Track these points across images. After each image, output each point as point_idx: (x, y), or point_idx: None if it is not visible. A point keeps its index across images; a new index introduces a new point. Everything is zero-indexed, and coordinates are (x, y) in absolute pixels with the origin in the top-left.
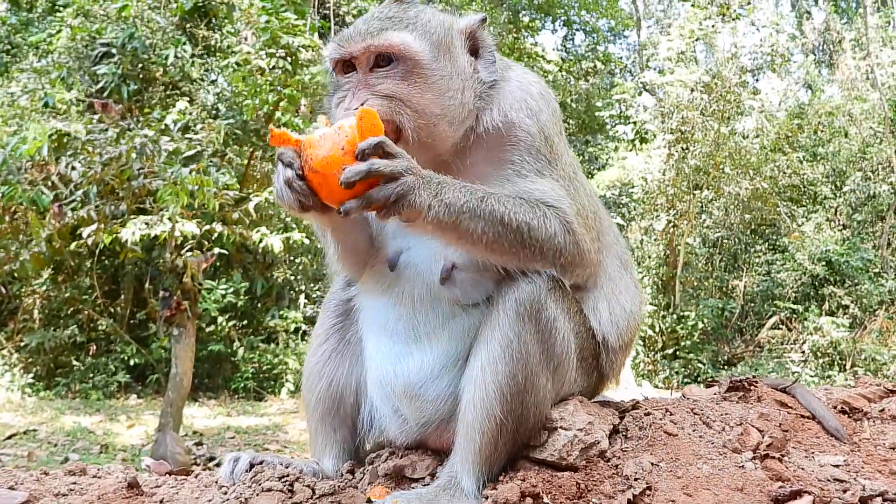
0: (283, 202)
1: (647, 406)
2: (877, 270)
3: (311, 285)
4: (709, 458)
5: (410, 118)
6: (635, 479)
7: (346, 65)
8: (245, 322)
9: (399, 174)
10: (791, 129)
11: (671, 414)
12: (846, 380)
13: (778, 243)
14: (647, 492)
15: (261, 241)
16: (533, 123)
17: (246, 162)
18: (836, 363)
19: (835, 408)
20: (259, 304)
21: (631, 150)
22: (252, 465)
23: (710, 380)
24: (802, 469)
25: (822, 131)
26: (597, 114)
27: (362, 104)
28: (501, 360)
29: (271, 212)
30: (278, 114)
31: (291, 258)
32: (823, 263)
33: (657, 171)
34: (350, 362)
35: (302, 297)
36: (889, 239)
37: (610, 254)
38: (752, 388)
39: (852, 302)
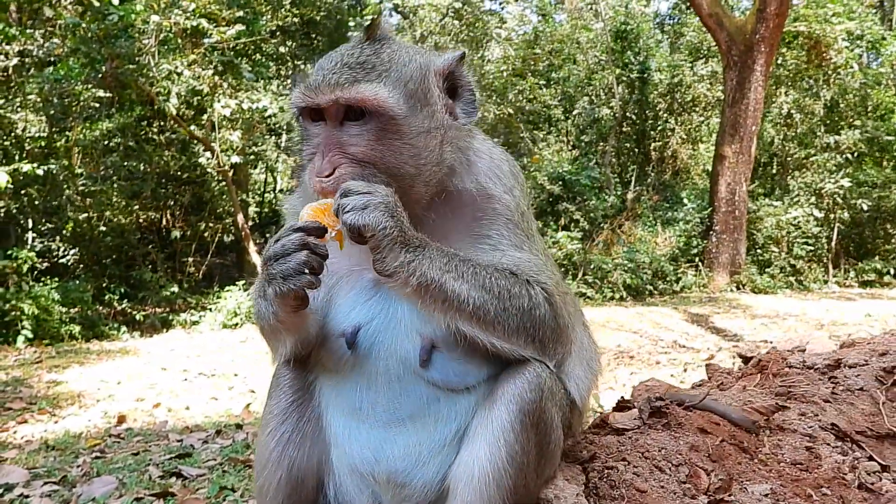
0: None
1: (603, 456)
2: (600, 186)
3: (42, 219)
4: None
5: (384, 184)
6: None
7: (313, 113)
8: None
9: (378, 203)
10: (532, 56)
11: (627, 462)
12: (579, 289)
13: (523, 166)
14: None
15: None
16: (510, 199)
17: None
18: (570, 273)
19: (731, 421)
20: None
21: None
22: None
23: (622, 401)
24: None
25: (554, 57)
26: (348, 33)
27: (334, 172)
28: (506, 472)
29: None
30: None
31: (16, 189)
32: (559, 182)
33: None
34: (311, 443)
35: (30, 233)
36: (611, 158)
37: (577, 321)
38: (669, 411)
39: (582, 217)
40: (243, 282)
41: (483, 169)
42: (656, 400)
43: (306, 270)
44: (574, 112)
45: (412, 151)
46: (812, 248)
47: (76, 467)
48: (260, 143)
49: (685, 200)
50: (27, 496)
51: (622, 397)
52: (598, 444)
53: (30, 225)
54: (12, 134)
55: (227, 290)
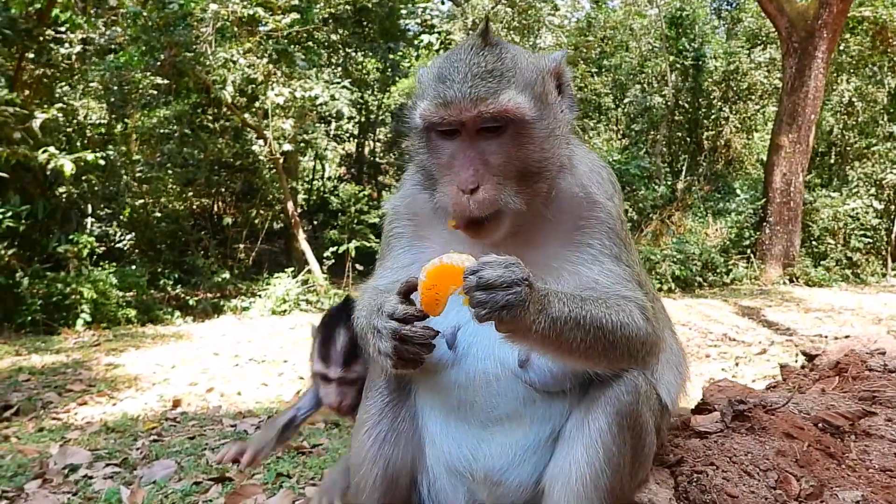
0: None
1: (690, 460)
2: (650, 176)
3: (101, 205)
4: None
5: (515, 198)
6: None
7: (446, 126)
8: (27, 249)
9: (514, 283)
10: (584, 43)
11: (716, 467)
12: None
13: None
14: None
15: (48, 162)
16: (612, 207)
17: (15, 65)
18: None
19: (816, 425)
20: (42, 229)
21: None
22: None
23: (701, 404)
24: None
25: (606, 45)
26: (399, 21)
27: (478, 188)
28: (602, 474)
29: (63, 127)
30: (56, 11)
31: (77, 176)
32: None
33: None
34: (405, 442)
35: (89, 218)
36: (661, 148)
37: (665, 326)
38: (752, 414)
39: (631, 207)
40: (292, 269)
41: (585, 172)
42: (738, 403)
43: (391, 358)
44: (625, 100)
45: (543, 154)
46: (870, 240)
47: (136, 450)
48: (311, 132)
49: (738, 191)
50: (91, 477)
51: (701, 399)
52: (683, 447)
53: (89, 210)
54: (75, 121)
55: (276, 277)
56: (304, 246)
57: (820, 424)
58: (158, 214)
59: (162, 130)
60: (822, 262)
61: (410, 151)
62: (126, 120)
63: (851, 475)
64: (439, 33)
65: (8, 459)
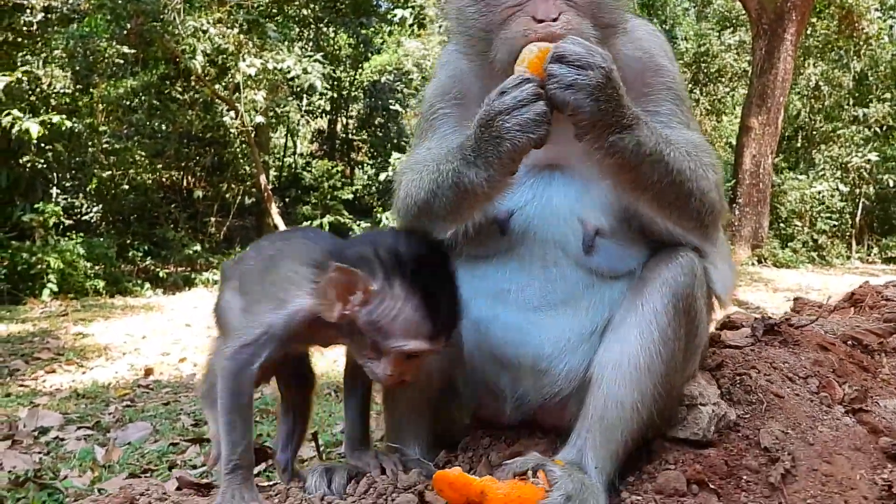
0: None
1: (730, 364)
2: None
3: (66, 175)
4: (820, 419)
5: (594, 39)
6: (777, 451)
7: None
8: None
9: (589, 66)
10: None
11: (758, 371)
12: None
13: None
14: (792, 463)
15: (12, 126)
16: (675, 70)
17: None
18: None
19: (846, 342)
20: (6, 199)
21: (409, 36)
22: (350, 478)
23: (727, 319)
24: (884, 418)
25: None
26: None
27: (559, 16)
28: (657, 356)
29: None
30: None
31: (42, 144)
32: None
33: (435, 57)
34: None
35: (55, 189)
36: None
37: None
38: (783, 329)
39: None
40: None
41: (644, 36)
42: (767, 318)
43: (543, 120)
44: None
45: (616, 3)
46: (836, 223)
47: (108, 414)
48: (283, 105)
49: None
50: (63, 439)
51: (727, 317)
52: (721, 354)
53: (55, 180)
54: (38, 89)
55: None
56: (278, 220)
57: (849, 342)
58: (126, 186)
59: (129, 101)
60: (789, 244)
61: (449, 23)
62: (92, 90)
63: (888, 386)
64: (412, 7)
65: None
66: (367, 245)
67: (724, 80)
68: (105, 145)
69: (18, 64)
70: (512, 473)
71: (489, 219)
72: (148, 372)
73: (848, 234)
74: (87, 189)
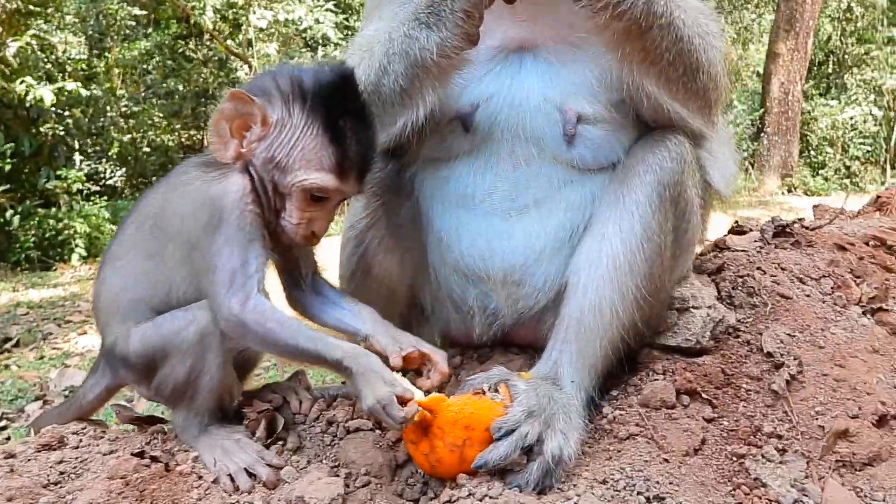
0: None
1: (733, 266)
2: None
3: (87, 140)
4: (833, 320)
5: None
6: (781, 356)
7: None
8: (16, 187)
9: None
10: None
11: (763, 272)
12: None
13: None
14: (799, 368)
15: (27, 93)
16: None
17: None
18: None
19: (866, 244)
20: (29, 166)
21: None
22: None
23: (736, 226)
24: None
25: None
26: None
27: None
28: (639, 252)
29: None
30: None
31: (60, 111)
32: None
33: None
34: (404, 249)
35: (77, 155)
36: None
37: None
38: (795, 231)
39: None
40: None
41: None
42: (779, 220)
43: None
44: None
45: None
46: (869, 148)
47: None
48: (297, 57)
49: (735, 103)
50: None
51: (736, 222)
52: (722, 257)
53: (76, 147)
54: (53, 56)
55: None
56: None
57: (870, 242)
58: (147, 149)
59: (144, 63)
60: (820, 172)
61: None
62: (106, 54)
63: None
64: None
65: (8, 384)
66: (267, 77)
67: (749, 6)
68: (123, 108)
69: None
70: (472, 390)
71: (448, 115)
72: None
73: (882, 159)
74: (110, 153)
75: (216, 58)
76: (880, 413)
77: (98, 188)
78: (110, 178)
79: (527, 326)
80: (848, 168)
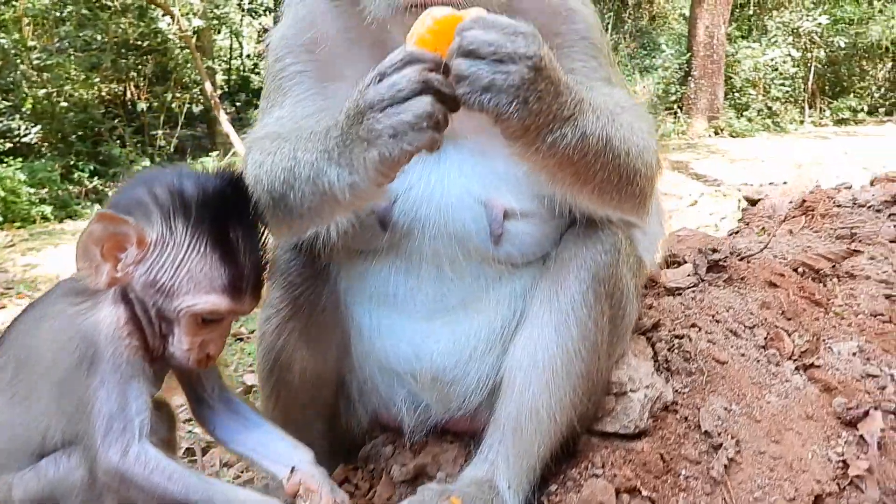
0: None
1: (668, 322)
2: None
3: None
4: (767, 385)
5: None
6: (719, 435)
7: None
8: None
9: (508, 58)
10: None
11: (698, 328)
12: None
13: None
14: (737, 448)
15: None
16: (591, 15)
17: None
18: None
19: (795, 270)
20: None
21: None
22: None
23: (669, 256)
24: (838, 370)
25: None
26: None
27: None
28: (577, 356)
29: None
30: None
31: None
32: None
33: None
34: (327, 338)
35: None
36: None
37: None
38: (728, 264)
39: None
40: (217, 152)
41: None
42: (711, 252)
43: (427, 125)
44: None
45: None
46: (789, 88)
47: None
48: (222, 6)
49: (663, 46)
50: None
51: (669, 251)
52: (657, 308)
53: None
54: None
55: (201, 162)
56: (228, 128)
57: (800, 269)
58: (65, 104)
59: (57, 12)
60: (744, 113)
61: None
62: (15, 2)
63: (842, 324)
64: None
65: None
66: (141, 187)
67: None
68: (36, 61)
69: None
70: None
71: (365, 209)
72: None
73: (801, 98)
74: (23, 110)
75: (135, 6)
76: (815, 493)
77: (11, 146)
78: (24, 135)
79: (461, 421)
80: (770, 108)
